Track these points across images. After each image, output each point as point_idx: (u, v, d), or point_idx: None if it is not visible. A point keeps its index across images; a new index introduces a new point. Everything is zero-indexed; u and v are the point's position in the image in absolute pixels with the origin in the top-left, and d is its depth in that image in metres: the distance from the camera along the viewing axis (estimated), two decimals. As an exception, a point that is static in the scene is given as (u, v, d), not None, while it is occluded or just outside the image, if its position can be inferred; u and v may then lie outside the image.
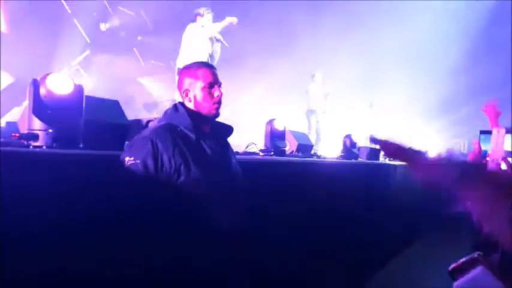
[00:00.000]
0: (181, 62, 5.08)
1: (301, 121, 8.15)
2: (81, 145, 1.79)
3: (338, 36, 10.21)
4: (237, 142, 6.30)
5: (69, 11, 7.96)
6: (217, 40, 5.38)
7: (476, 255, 1.23)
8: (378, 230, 4.18)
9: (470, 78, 11.42)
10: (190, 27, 5.26)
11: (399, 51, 10.63)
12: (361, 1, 10.51)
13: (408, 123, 10.97)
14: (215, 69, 1.86)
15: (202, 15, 5.24)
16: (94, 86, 7.70)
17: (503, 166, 1.14)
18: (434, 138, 10.74)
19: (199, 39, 5.22)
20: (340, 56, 10.24)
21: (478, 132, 1.27)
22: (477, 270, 1.19)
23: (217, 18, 5.44)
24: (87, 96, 1.88)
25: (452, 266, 1.24)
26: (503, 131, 1.16)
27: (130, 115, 2.55)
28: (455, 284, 1.21)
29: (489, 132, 1.22)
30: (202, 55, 5.10)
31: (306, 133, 6.03)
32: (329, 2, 10.28)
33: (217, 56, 5.49)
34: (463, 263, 1.23)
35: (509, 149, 1.15)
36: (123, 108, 2.29)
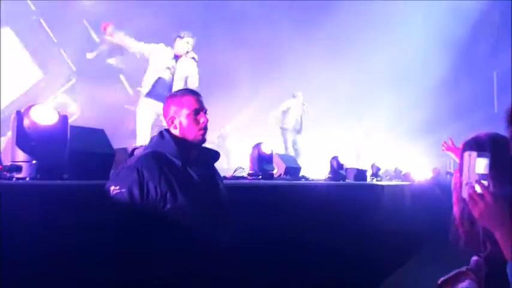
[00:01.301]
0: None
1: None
2: (65, 175, 1.77)
3: (325, 58, 10.40)
4: (226, 167, 6.31)
5: (55, 41, 8.00)
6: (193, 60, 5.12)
7: (464, 269, 1.24)
8: (367, 251, 4.17)
9: (455, 96, 11.66)
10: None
11: (385, 72, 10.85)
12: (347, 22, 10.77)
13: (394, 142, 11.10)
14: (200, 96, 1.88)
15: (181, 38, 5.02)
16: (80, 114, 7.68)
17: (478, 189, 1.16)
18: (420, 157, 10.86)
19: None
20: (327, 78, 10.40)
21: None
22: (465, 284, 1.20)
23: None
24: (71, 126, 1.87)
25: (441, 279, 1.25)
26: (474, 154, 1.19)
27: (117, 143, 2.54)
28: None
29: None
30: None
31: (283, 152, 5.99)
32: (317, 24, 10.50)
33: (193, 80, 5.12)
34: (451, 276, 1.24)
35: (482, 172, 1.17)
36: (110, 136, 2.28)
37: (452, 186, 1.41)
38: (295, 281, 2.67)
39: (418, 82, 11.47)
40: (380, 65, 10.68)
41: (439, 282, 1.26)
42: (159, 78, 4.89)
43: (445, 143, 2.29)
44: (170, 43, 5.15)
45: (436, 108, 11.57)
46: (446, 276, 1.26)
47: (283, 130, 8.01)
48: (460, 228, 1.47)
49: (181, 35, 5.02)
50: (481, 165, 1.17)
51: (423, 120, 11.39)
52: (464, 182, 1.19)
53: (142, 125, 4.93)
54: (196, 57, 5.12)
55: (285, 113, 8.04)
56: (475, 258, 1.40)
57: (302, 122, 8.19)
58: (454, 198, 1.45)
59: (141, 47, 5.10)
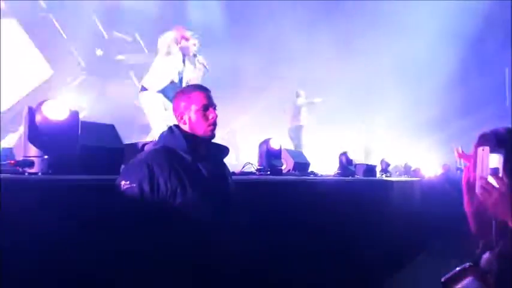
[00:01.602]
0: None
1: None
2: (77, 170, 1.79)
3: (334, 53, 10.35)
4: (235, 162, 6.32)
5: (65, 37, 8.05)
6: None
7: (467, 266, 1.24)
8: (377, 246, 4.15)
9: (466, 92, 11.53)
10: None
11: (393, 68, 10.75)
12: (354, 20, 10.70)
13: (403, 138, 11.02)
14: (209, 91, 1.88)
15: (187, 40, 4.97)
16: (90, 111, 7.73)
17: (492, 180, 1.15)
18: (430, 153, 10.77)
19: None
20: (336, 74, 10.35)
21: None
22: (467, 280, 1.20)
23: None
24: (82, 122, 1.89)
25: (445, 276, 1.25)
26: (487, 149, 1.19)
27: (127, 138, 2.56)
28: None
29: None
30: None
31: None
32: (324, 22, 10.46)
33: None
34: (454, 273, 1.24)
35: (495, 166, 1.17)
36: (120, 131, 2.30)
37: (464, 180, 1.40)
38: (304, 275, 2.67)
39: (428, 77, 11.35)
40: (389, 60, 10.59)
41: (442, 280, 1.26)
42: (172, 82, 4.90)
43: (456, 149, 2.25)
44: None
45: (447, 104, 11.45)
46: (449, 274, 1.26)
47: (298, 128, 8.16)
48: (471, 221, 1.50)
49: (187, 37, 4.99)
50: (494, 160, 1.17)
51: (433, 116, 11.29)
52: (477, 177, 1.19)
53: (155, 117, 4.94)
54: (205, 62, 5.05)
55: (297, 111, 8.22)
56: (486, 256, 1.40)
57: (307, 117, 8.42)
58: (464, 191, 1.46)
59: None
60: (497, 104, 11.32)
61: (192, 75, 5.06)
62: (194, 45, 5.01)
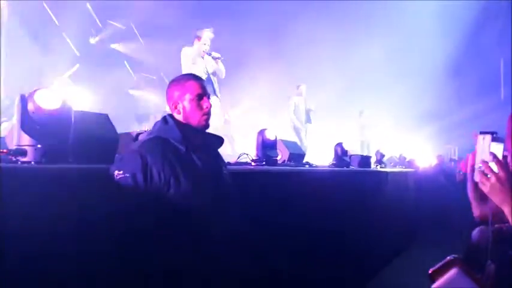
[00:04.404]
0: None
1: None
2: (70, 160, 1.78)
3: (330, 46, 10.33)
4: (230, 153, 6.31)
5: (58, 24, 7.95)
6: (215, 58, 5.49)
7: (452, 258, 1.26)
8: (371, 237, 4.19)
9: (461, 83, 11.56)
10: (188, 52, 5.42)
11: (388, 60, 10.75)
12: (352, 12, 10.65)
13: (399, 129, 11.06)
14: (203, 81, 1.87)
15: (199, 39, 5.38)
16: (84, 100, 7.67)
17: (492, 165, 1.17)
18: (424, 144, 10.83)
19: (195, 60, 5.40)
20: (329, 65, 10.33)
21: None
22: (453, 272, 1.22)
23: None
24: (76, 111, 1.87)
25: (432, 269, 1.27)
26: (488, 137, 1.20)
27: (121, 128, 2.54)
28: (433, 286, 1.24)
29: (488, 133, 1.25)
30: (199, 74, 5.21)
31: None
32: (318, 13, 10.41)
33: (221, 73, 5.64)
34: (440, 266, 1.26)
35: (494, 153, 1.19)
36: (114, 121, 2.28)
37: (469, 168, 1.42)
38: (298, 266, 2.69)
39: (423, 69, 11.36)
40: (385, 52, 10.57)
41: (429, 271, 1.28)
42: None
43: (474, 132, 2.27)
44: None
45: (442, 95, 11.50)
46: (435, 266, 1.28)
47: (295, 126, 8.22)
48: (473, 207, 1.55)
49: (199, 35, 5.39)
50: (495, 148, 1.18)
51: (428, 107, 11.33)
52: (476, 166, 1.20)
53: None
54: (219, 56, 5.46)
55: (294, 109, 8.26)
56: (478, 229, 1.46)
57: (308, 114, 8.44)
58: (468, 178, 1.50)
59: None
60: (491, 96, 11.35)
61: (214, 69, 5.49)
62: (205, 44, 5.38)
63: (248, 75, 9.96)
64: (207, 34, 5.38)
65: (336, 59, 10.34)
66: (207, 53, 5.39)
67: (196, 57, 5.37)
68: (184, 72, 5.20)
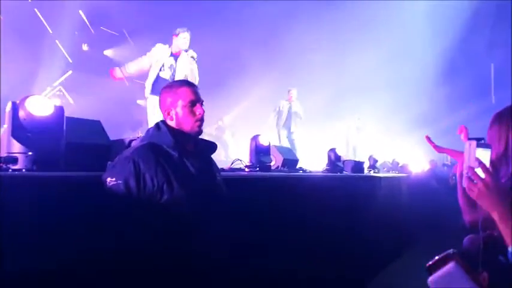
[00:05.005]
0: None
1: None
2: (62, 167, 1.77)
3: (323, 52, 10.40)
4: (223, 159, 6.31)
5: (51, 32, 7.93)
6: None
7: (450, 252, 1.26)
8: (364, 242, 4.19)
9: (452, 88, 11.67)
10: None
11: (380, 65, 10.84)
12: (346, 17, 10.73)
13: (392, 134, 11.12)
14: (196, 87, 1.86)
15: (177, 35, 5.17)
16: (77, 106, 7.64)
17: (478, 171, 1.18)
18: (417, 149, 10.88)
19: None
20: (322, 70, 10.39)
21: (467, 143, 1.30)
22: (449, 265, 1.22)
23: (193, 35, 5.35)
24: (68, 117, 1.86)
25: (429, 262, 1.28)
26: (474, 143, 1.21)
27: (114, 134, 2.53)
28: (430, 279, 1.24)
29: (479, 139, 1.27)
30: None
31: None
32: (311, 21, 10.48)
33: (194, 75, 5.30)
34: (438, 259, 1.27)
35: (481, 159, 1.20)
36: (107, 127, 2.27)
37: (458, 174, 1.43)
38: (291, 272, 2.68)
39: (415, 74, 11.46)
40: (377, 57, 10.66)
41: (427, 265, 1.29)
42: (159, 77, 5.01)
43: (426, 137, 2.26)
44: (167, 36, 5.23)
45: (433, 100, 11.59)
46: (433, 260, 1.28)
47: (278, 129, 8.22)
48: (464, 212, 1.55)
49: (177, 32, 5.12)
50: (481, 154, 1.19)
51: (421, 112, 11.41)
52: (464, 172, 1.21)
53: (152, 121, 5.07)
54: (195, 55, 5.23)
55: (278, 114, 8.25)
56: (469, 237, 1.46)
57: (292, 118, 8.39)
58: (458, 183, 1.51)
59: (145, 61, 5.28)
60: (483, 101, 11.48)
61: (187, 70, 5.17)
62: (184, 38, 5.09)
63: (242, 81, 9.98)
64: (184, 35, 5.16)
65: (328, 64, 10.40)
66: (184, 50, 5.15)
67: (167, 57, 5.16)
68: (153, 68, 5.12)
